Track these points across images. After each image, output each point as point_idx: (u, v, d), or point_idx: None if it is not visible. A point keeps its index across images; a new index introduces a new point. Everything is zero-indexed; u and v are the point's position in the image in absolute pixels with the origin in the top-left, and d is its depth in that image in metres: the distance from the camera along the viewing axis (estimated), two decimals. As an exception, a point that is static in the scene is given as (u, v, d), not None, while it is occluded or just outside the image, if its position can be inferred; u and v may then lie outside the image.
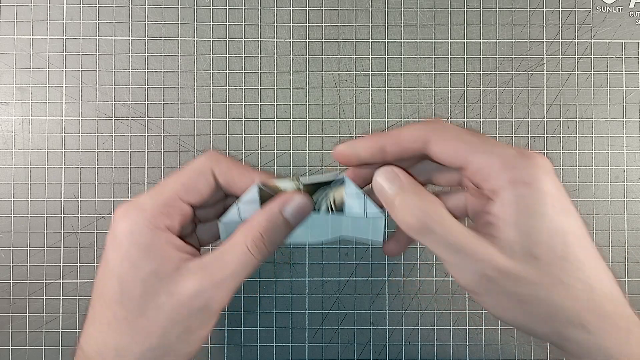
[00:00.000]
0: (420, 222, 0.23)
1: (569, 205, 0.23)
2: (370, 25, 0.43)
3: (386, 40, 0.43)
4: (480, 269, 0.22)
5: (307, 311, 0.42)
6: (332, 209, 0.27)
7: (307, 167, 0.42)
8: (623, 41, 0.43)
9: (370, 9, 0.43)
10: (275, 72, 0.43)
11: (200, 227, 0.29)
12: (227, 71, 0.42)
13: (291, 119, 0.42)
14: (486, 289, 0.22)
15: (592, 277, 0.22)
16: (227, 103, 0.42)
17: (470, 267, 0.22)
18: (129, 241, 0.23)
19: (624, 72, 0.43)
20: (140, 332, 0.23)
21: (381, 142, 0.25)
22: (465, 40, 0.43)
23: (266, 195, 0.26)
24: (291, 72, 0.43)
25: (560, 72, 0.43)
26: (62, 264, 0.41)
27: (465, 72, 0.43)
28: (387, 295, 0.42)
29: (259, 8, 0.43)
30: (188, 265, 0.24)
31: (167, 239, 0.24)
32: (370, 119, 0.43)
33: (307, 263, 0.42)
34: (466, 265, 0.22)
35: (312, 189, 0.27)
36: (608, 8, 0.43)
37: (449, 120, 0.43)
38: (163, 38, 0.42)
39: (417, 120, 0.43)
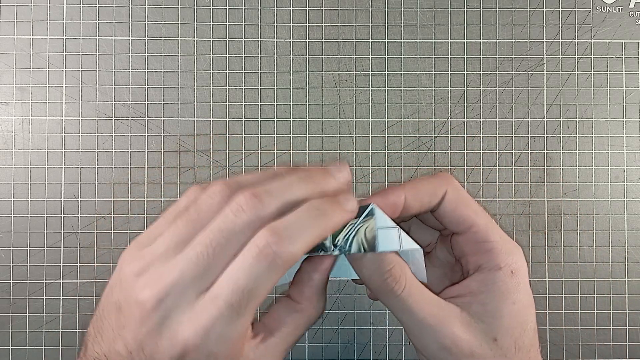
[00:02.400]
0: (387, 283, 0.23)
1: (532, 299, 0.24)
2: (370, 25, 0.43)
3: (386, 40, 0.43)
4: (440, 338, 0.23)
5: (307, 311, 0.42)
6: (364, 248, 0.23)
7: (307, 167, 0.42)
8: (623, 41, 0.43)
9: (370, 9, 0.43)
10: (275, 72, 0.43)
11: None
12: (227, 71, 0.42)
13: (291, 119, 0.42)
14: (442, 358, 0.23)
15: None
16: (227, 103, 0.42)
17: (431, 335, 0.23)
18: None
19: (624, 72, 0.43)
20: None
21: (402, 198, 0.24)
22: (465, 40, 0.43)
23: None
24: (291, 72, 0.43)
25: (560, 72, 0.43)
26: (62, 264, 0.41)
27: (465, 72, 0.43)
28: (387, 295, 0.42)
29: (259, 8, 0.43)
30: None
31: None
32: (370, 119, 0.43)
33: (307, 263, 0.42)
34: (427, 333, 0.23)
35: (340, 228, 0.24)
36: (608, 8, 0.43)
37: (449, 120, 0.43)
38: (163, 38, 0.42)
39: (417, 120, 0.43)
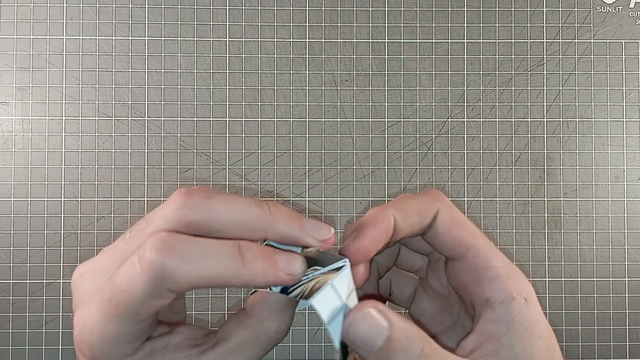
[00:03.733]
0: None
1: (548, 325, 0.21)
2: (370, 25, 0.43)
3: (386, 40, 0.43)
4: None
5: (307, 311, 0.42)
6: (302, 295, 0.19)
7: (307, 167, 0.42)
8: (623, 41, 0.43)
9: (370, 9, 0.43)
10: (275, 72, 0.43)
11: None
12: (227, 71, 0.42)
13: (291, 119, 0.42)
14: None
15: None
16: (227, 103, 0.42)
17: None
18: None
19: (624, 72, 0.43)
20: None
21: (392, 221, 0.21)
22: (465, 40, 0.43)
23: None
24: (291, 72, 0.43)
25: (560, 72, 0.43)
26: (62, 264, 0.41)
27: (465, 72, 0.43)
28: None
29: (259, 8, 0.43)
30: None
31: (144, 356, 0.20)
32: (370, 119, 0.43)
33: (307, 263, 0.42)
34: None
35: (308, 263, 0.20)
36: (608, 8, 0.43)
37: (449, 120, 0.43)
38: (163, 38, 0.42)
39: (417, 120, 0.43)
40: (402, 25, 0.43)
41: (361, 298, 0.20)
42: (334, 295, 0.18)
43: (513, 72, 0.43)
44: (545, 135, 0.43)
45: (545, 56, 0.43)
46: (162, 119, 0.42)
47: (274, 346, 0.21)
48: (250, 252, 0.18)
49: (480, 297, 0.21)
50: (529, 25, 0.43)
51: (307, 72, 0.43)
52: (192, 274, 0.17)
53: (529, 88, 0.43)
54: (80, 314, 0.19)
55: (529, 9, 0.43)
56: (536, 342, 0.20)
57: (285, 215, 0.19)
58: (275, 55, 0.43)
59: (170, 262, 0.17)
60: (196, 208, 0.18)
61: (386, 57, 0.43)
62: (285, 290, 0.20)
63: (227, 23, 0.43)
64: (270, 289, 0.20)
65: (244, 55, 0.43)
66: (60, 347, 0.41)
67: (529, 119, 0.43)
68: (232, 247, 0.18)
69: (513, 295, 0.20)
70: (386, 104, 0.43)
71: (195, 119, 0.42)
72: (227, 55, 0.42)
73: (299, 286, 0.19)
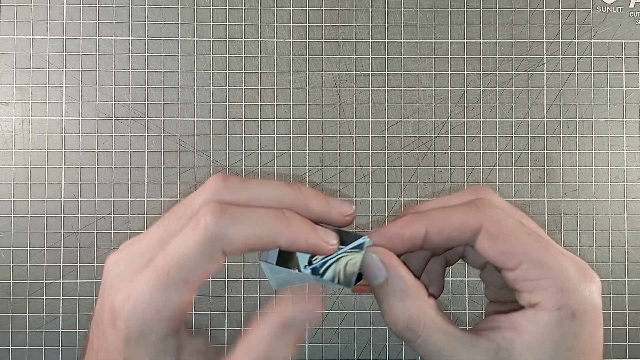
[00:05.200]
0: (406, 326, 0.21)
1: (600, 341, 0.21)
2: (370, 25, 0.43)
3: (386, 40, 0.43)
4: None
5: (307, 311, 0.42)
6: (339, 280, 0.21)
7: (307, 167, 0.42)
8: (623, 41, 0.43)
9: (370, 9, 0.43)
10: (275, 72, 0.43)
11: None
12: (227, 71, 0.42)
13: (291, 119, 0.42)
14: None
15: None
16: (227, 103, 0.42)
17: None
18: (133, 349, 0.19)
19: (624, 72, 0.43)
20: None
21: (422, 232, 0.21)
22: (465, 40, 0.43)
23: (283, 254, 0.22)
24: (291, 72, 0.43)
25: (560, 72, 0.43)
26: (62, 264, 0.41)
27: (465, 72, 0.43)
28: (387, 295, 0.42)
29: (259, 8, 0.43)
30: None
31: (174, 347, 0.20)
32: (370, 119, 0.43)
33: (307, 263, 0.42)
34: None
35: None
36: (608, 8, 0.43)
37: (449, 120, 0.43)
38: (163, 38, 0.42)
39: (417, 120, 0.43)
40: (402, 25, 0.43)
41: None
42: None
43: (513, 72, 0.43)
44: (545, 135, 0.43)
45: (545, 56, 0.43)
46: (162, 119, 0.42)
47: None
48: (294, 216, 0.20)
49: (529, 301, 0.21)
50: (529, 25, 0.43)
51: (307, 72, 0.43)
52: (244, 232, 0.19)
53: (529, 88, 0.43)
54: (125, 291, 0.19)
55: (529, 9, 0.43)
56: (562, 353, 0.20)
57: (313, 193, 0.21)
58: (275, 55, 0.43)
59: (224, 224, 0.18)
60: (234, 190, 0.20)
61: (386, 57, 0.43)
62: (315, 272, 0.21)
63: (227, 23, 0.43)
64: (299, 270, 0.21)
65: (244, 55, 0.43)
66: (60, 347, 0.41)
67: (529, 119, 0.43)
68: (278, 211, 0.20)
69: (559, 306, 0.20)
70: (386, 104, 0.43)
71: (195, 119, 0.42)
72: (227, 55, 0.42)
73: (329, 266, 0.21)
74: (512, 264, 0.21)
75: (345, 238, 0.21)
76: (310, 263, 0.21)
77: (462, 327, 0.22)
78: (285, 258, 0.21)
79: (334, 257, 0.21)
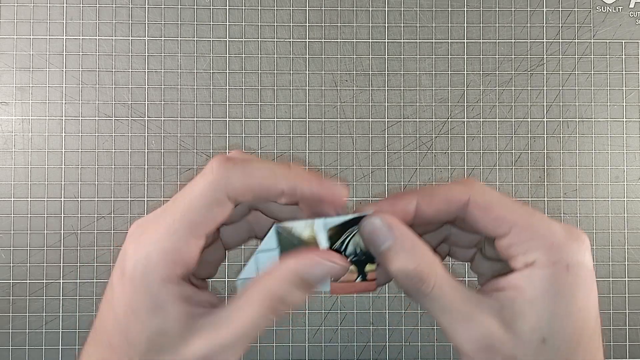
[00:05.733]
0: (415, 284, 0.21)
1: (595, 298, 0.21)
2: (370, 25, 0.43)
3: (386, 40, 0.43)
4: (476, 338, 0.21)
5: (307, 311, 0.42)
6: (361, 249, 0.23)
7: (307, 167, 0.42)
8: (623, 41, 0.43)
9: (370, 9, 0.43)
10: (275, 72, 0.43)
11: (224, 231, 0.27)
12: (227, 71, 0.42)
13: (291, 119, 0.42)
14: (485, 357, 0.21)
15: None
16: (227, 103, 0.42)
17: (467, 334, 0.21)
18: (136, 292, 0.21)
19: (624, 72, 0.43)
20: None
21: (413, 204, 0.22)
22: (465, 40, 0.43)
23: (286, 243, 0.23)
24: (291, 72, 0.43)
25: (560, 72, 0.43)
26: (62, 264, 0.41)
27: (465, 72, 0.43)
28: (387, 295, 0.42)
29: (259, 8, 0.43)
30: (198, 323, 0.21)
31: (178, 294, 0.21)
32: (370, 119, 0.43)
33: (307, 263, 0.42)
34: (462, 332, 0.21)
35: (340, 229, 0.23)
36: (608, 8, 0.43)
37: (449, 120, 0.43)
38: (163, 38, 0.42)
39: (417, 120, 0.43)
40: (402, 25, 0.43)
41: None
42: None
43: (513, 72, 0.43)
44: (545, 135, 0.43)
45: (545, 56, 0.43)
46: (162, 119, 0.42)
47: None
48: (298, 166, 0.22)
49: (524, 262, 0.22)
50: (529, 25, 0.43)
51: (307, 72, 0.43)
52: (248, 178, 0.20)
53: (529, 88, 0.43)
54: (137, 241, 0.21)
55: (529, 9, 0.43)
56: (562, 306, 0.21)
57: (307, 173, 0.22)
58: (275, 55, 0.43)
59: (229, 167, 0.20)
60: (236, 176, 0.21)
61: (386, 57, 0.43)
62: (338, 251, 0.22)
63: (227, 23, 0.43)
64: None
65: (244, 55, 0.43)
66: (60, 347, 0.41)
67: (529, 119, 0.43)
68: (287, 166, 0.21)
69: (553, 260, 0.21)
70: (386, 104, 0.43)
71: (195, 119, 0.42)
72: (227, 55, 0.42)
73: (349, 242, 0.22)
74: (504, 230, 0.22)
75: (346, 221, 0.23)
76: (331, 248, 0.22)
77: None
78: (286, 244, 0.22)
79: (351, 235, 0.22)
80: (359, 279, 0.23)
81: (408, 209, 0.22)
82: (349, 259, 0.23)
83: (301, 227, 0.22)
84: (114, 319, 0.21)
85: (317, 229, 0.22)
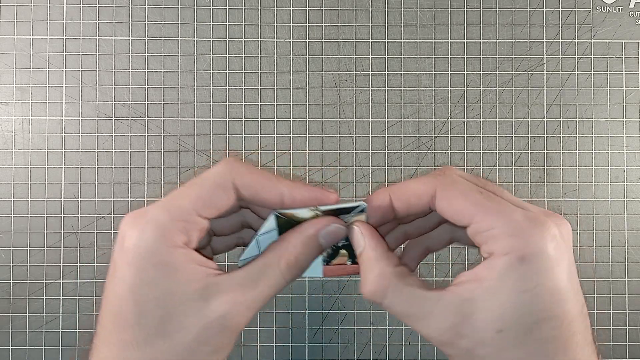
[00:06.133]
0: (373, 296, 0.23)
1: (564, 283, 0.22)
2: (370, 25, 0.43)
3: (386, 40, 0.43)
4: (437, 335, 0.22)
5: (307, 311, 0.42)
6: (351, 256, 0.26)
7: (307, 167, 0.42)
8: (623, 41, 0.43)
9: (370, 9, 0.43)
10: (275, 72, 0.43)
11: (215, 239, 0.29)
12: (227, 71, 0.42)
13: (291, 119, 0.42)
14: (450, 352, 0.23)
15: None
16: (227, 103, 0.42)
17: (428, 333, 0.23)
18: (144, 259, 0.22)
19: (624, 72, 0.43)
20: (164, 353, 0.22)
21: (387, 200, 0.24)
22: (465, 40, 0.43)
23: (284, 224, 0.25)
24: (291, 72, 0.43)
25: (560, 72, 0.43)
26: (62, 264, 0.41)
27: (465, 72, 0.43)
28: (387, 295, 0.42)
29: (259, 8, 0.43)
30: (216, 281, 0.23)
31: (188, 256, 0.22)
32: (370, 119, 0.43)
33: (307, 263, 0.42)
34: (424, 331, 0.23)
35: (334, 214, 0.25)
36: (608, 8, 0.43)
37: (449, 120, 0.43)
38: (163, 38, 0.42)
39: (417, 120, 0.43)
40: (402, 25, 0.43)
41: None
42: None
43: (513, 72, 0.43)
44: (545, 135, 0.43)
45: (545, 56, 0.43)
46: (162, 119, 0.42)
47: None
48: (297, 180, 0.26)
49: (487, 251, 0.23)
50: (529, 25, 0.43)
51: (307, 72, 0.43)
52: (253, 174, 0.23)
53: (529, 88, 0.43)
54: (137, 219, 0.22)
55: (529, 9, 0.43)
56: (516, 295, 0.21)
57: (296, 183, 0.25)
58: (275, 55, 0.43)
59: (238, 163, 0.24)
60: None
61: (386, 57, 0.43)
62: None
63: (227, 23, 0.43)
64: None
65: (244, 55, 0.43)
66: (60, 347, 0.41)
67: (529, 119, 0.43)
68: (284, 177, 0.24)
69: (507, 251, 0.21)
70: (386, 104, 0.43)
71: (195, 119, 0.42)
72: (227, 55, 0.42)
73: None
74: (466, 220, 0.23)
75: (344, 209, 0.25)
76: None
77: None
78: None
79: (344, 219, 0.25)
80: (349, 262, 0.26)
81: (383, 205, 0.24)
82: (340, 244, 0.25)
83: (304, 212, 0.25)
84: (124, 295, 0.22)
85: (319, 210, 0.25)
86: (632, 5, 0.43)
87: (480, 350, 0.21)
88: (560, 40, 0.43)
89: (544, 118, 0.43)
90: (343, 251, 0.26)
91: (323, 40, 0.43)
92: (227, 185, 0.23)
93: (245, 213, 0.28)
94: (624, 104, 0.43)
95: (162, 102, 0.42)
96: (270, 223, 0.25)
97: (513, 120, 0.43)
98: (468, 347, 0.22)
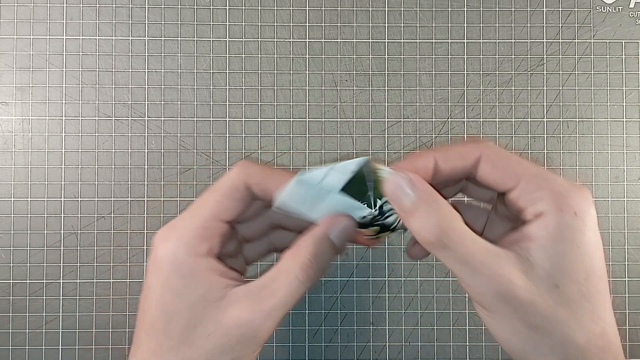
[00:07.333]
0: (437, 237, 0.22)
1: (600, 244, 0.23)
2: (370, 25, 0.43)
3: (386, 40, 0.43)
4: (496, 286, 0.22)
5: (307, 311, 0.42)
6: (398, 223, 0.25)
7: (307, 167, 0.42)
8: (623, 41, 0.43)
9: (370, 9, 0.43)
10: (275, 72, 0.43)
11: (246, 246, 0.29)
12: (227, 71, 0.42)
13: (291, 119, 0.42)
14: (499, 307, 0.22)
15: (606, 322, 0.22)
16: (227, 103, 0.42)
17: (487, 284, 0.22)
18: (170, 269, 0.23)
19: (624, 72, 0.43)
20: None
21: (431, 161, 0.24)
22: (465, 40, 0.43)
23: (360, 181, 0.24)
24: (291, 72, 0.43)
25: (560, 72, 0.43)
26: (62, 264, 0.41)
27: (465, 72, 0.43)
28: (387, 295, 0.42)
29: (259, 8, 0.43)
30: (234, 291, 0.23)
31: (209, 265, 0.23)
32: (370, 119, 0.43)
33: (307, 263, 0.42)
34: (482, 282, 0.22)
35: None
36: (608, 8, 0.43)
37: (449, 120, 0.43)
38: (163, 38, 0.42)
39: (417, 120, 0.43)
40: (402, 25, 0.43)
41: None
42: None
43: (513, 72, 0.43)
44: (545, 135, 0.43)
45: (545, 56, 0.43)
46: (162, 119, 0.42)
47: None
48: None
49: (533, 214, 0.23)
50: (529, 25, 0.43)
51: (307, 72, 0.43)
52: (266, 175, 0.24)
53: (529, 88, 0.43)
54: (167, 232, 0.24)
55: (529, 9, 0.43)
56: (573, 250, 0.22)
57: None
58: (275, 55, 0.43)
59: (250, 165, 0.25)
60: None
61: (386, 57, 0.43)
62: (382, 214, 0.25)
63: (227, 23, 0.43)
64: (372, 206, 0.25)
65: (244, 55, 0.43)
66: (60, 347, 0.41)
67: (529, 119, 0.43)
68: None
69: (562, 208, 0.22)
70: (386, 104, 0.43)
71: (195, 119, 0.42)
72: (227, 55, 0.42)
73: (392, 214, 0.25)
74: (513, 183, 0.23)
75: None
76: (381, 208, 0.25)
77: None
78: (356, 190, 0.24)
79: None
80: (372, 236, 0.26)
81: (427, 166, 0.24)
82: (374, 222, 0.25)
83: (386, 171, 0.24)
84: (153, 304, 0.23)
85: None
86: (632, 5, 0.43)
87: (539, 305, 0.21)
88: (560, 41, 0.43)
89: (544, 118, 0.43)
90: (375, 227, 0.26)
91: (323, 40, 0.43)
92: (240, 186, 0.24)
93: (273, 214, 0.28)
94: (624, 104, 0.43)
95: (162, 102, 0.42)
96: (350, 168, 0.23)
97: (513, 120, 0.43)
98: (528, 302, 0.21)
